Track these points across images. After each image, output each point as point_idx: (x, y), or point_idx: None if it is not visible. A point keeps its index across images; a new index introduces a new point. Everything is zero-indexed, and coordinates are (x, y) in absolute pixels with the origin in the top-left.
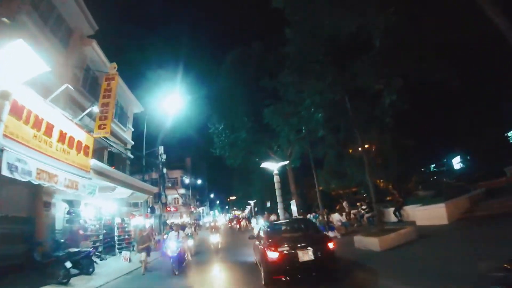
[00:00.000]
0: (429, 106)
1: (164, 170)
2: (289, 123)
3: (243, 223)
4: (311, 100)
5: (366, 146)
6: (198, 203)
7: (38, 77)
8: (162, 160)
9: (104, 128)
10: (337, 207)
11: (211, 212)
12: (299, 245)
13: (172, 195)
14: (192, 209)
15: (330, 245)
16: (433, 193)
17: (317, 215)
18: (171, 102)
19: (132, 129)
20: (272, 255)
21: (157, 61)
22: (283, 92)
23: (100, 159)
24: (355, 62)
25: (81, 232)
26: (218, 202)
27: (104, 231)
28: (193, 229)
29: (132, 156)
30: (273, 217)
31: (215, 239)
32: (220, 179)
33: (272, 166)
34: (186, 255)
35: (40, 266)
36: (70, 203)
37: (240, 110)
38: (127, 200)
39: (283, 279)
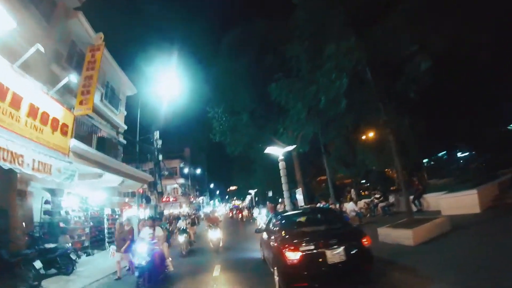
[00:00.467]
0: (446, 88)
1: (160, 157)
2: (303, 96)
3: (244, 213)
4: (332, 64)
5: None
6: (197, 193)
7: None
8: (158, 146)
9: (86, 104)
10: (348, 197)
11: (211, 202)
12: (327, 242)
13: (171, 185)
14: (192, 199)
15: (365, 241)
16: (448, 180)
17: (327, 205)
18: (167, 84)
19: (125, 113)
20: (293, 256)
21: (152, 40)
22: (294, 63)
23: (89, 144)
24: (382, 22)
25: (62, 225)
26: (218, 192)
27: (91, 224)
28: (188, 221)
29: (124, 142)
30: (280, 207)
31: (215, 235)
32: (220, 169)
33: (277, 151)
34: (166, 264)
35: (8, 266)
36: (52, 192)
37: (241, 91)
38: (119, 189)
39: (307, 287)
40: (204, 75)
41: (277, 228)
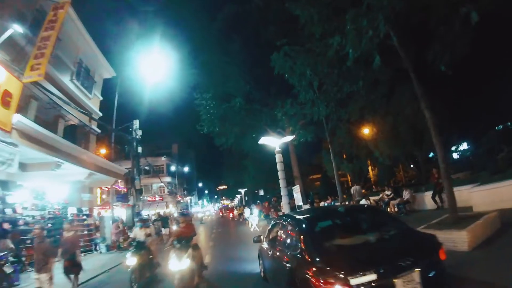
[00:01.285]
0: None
1: (140, 149)
2: (315, 63)
3: (236, 212)
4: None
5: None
6: (185, 192)
7: None
8: (137, 136)
9: (38, 70)
10: (363, 191)
11: (200, 202)
12: (393, 263)
13: (157, 184)
14: (179, 198)
15: (442, 254)
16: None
17: (333, 202)
18: (150, 68)
19: (100, 98)
20: None
21: (134, 18)
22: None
23: (54, 131)
24: None
25: (6, 226)
26: (207, 191)
27: (49, 225)
28: (156, 226)
29: (98, 131)
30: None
31: (183, 265)
32: (210, 167)
33: (274, 142)
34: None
35: None
36: (5, 184)
37: (234, 72)
38: (89, 184)
39: None
40: (191, 57)
41: (295, 239)
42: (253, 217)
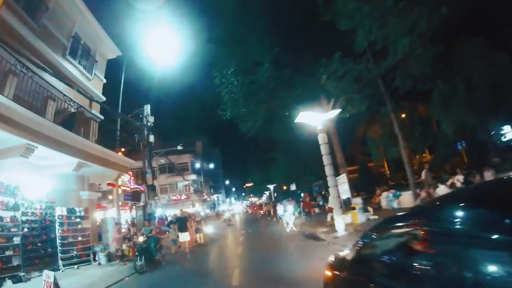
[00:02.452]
0: None
1: (151, 138)
2: None
3: (264, 208)
4: None
5: None
6: (212, 190)
7: None
8: (148, 123)
9: None
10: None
11: (227, 200)
12: None
13: (183, 182)
14: (205, 197)
15: None
16: None
17: (397, 193)
18: (162, 48)
19: (104, 80)
20: None
21: None
22: None
23: (42, 115)
24: None
25: None
26: (234, 189)
27: (25, 230)
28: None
29: (101, 117)
30: (358, 200)
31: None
32: (236, 163)
33: (314, 118)
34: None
35: None
36: None
37: (257, 35)
38: (88, 179)
39: None
40: (206, 29)
41: None
42: (288, 215)
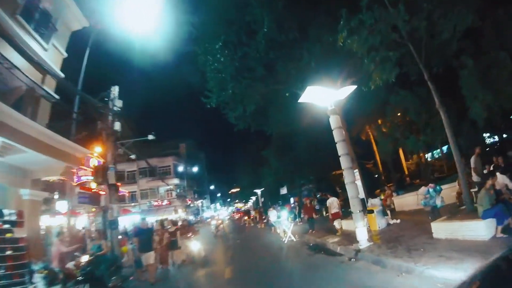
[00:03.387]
0: None
1: (117, 126)
2: None
3: (253, 214)
4: None
5: None
6: (196, 195)
7: None
8: (115, 107)
9: None
10: (386, 193)
11: (212, 205)
12: None
13: (164, 187)
14: (189, 202)
15: None
16: None
17: (439, 188)
18: (139, 21)
19: (64, 55)
20: None
21: None
22: None
23: None
24: None
25: None
26: (219, 194)
27: None
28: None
29: (56, 96)
30: (376, 201)
31: None
32: (222, 169)
33: (325, 96)
34: None
35: None
36: None
37: None
38: (22, 171)
39: None
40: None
41: None
42: (284, 222)
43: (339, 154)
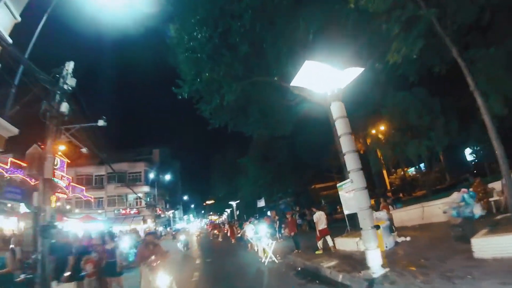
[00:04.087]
0: None
1: (65, 107)
2: None
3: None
4: None
5: None
6: (167, 205)
7: None
8: (65, 85)
9: None
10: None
11: (185, 217)
12: None
13: (134, 195)
14: (159, 212)
15: None
16: None
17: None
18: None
19: (17, 19)
20: None
21: None
22: None
23: None
24: None
25: None
26: (193, 206)
27: None
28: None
29: None
30: (382, 215)
31: None
32: (197, 179)
33: (324, 78)
34: None
35: None
36: None
37: None
38: None
39: None
40: None
41: None
42: (263, 239)
43: (343, 152)
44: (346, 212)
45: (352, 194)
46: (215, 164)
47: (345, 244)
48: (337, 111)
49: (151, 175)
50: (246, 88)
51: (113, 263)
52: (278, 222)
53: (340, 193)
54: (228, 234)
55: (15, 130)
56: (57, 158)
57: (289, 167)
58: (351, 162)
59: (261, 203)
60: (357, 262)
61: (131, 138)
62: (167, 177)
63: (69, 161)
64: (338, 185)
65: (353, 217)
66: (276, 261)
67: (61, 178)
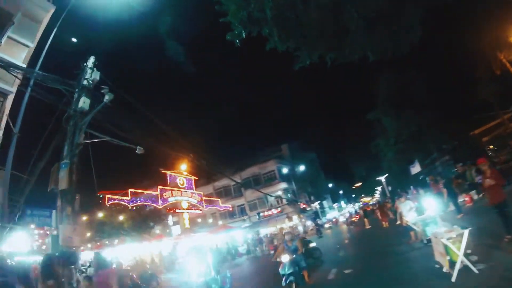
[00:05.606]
0: None
1: (83, 103)
2: None
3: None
4: None
5: None
6: (312, 197)
7: None
8: (86, 80)
9: None
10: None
11: (336, 205)
12: None
13: (273, 194)
14: (303, 206)
15: None
16: None
17: None
18: None
19: (30, 45)
20: None
21: None
22: None
23: None
24: None
25: None
26: (341, 192)
27: None
28: None
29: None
30: None
31: None
32: (335, 162)
33: None
34: None
35: None
36: None
37: None
38: None
39: None
40: None
41: None
42: (433, 221)
43: None
44: None
45: None
46: (346, 142)
47: None
48: None
49: (285, 170)
50: None
51: None
52: (446, 189)
53: None
54: (380, 217)
55: None
56: (182, 177)
57: (431, 106)
58: None
59: (416, 169)
60: None
61: (257, 139)
62: (301, 167)
63: (196, 178)
64: None
65: None
66: (475, 269)
67: (191, 196)
